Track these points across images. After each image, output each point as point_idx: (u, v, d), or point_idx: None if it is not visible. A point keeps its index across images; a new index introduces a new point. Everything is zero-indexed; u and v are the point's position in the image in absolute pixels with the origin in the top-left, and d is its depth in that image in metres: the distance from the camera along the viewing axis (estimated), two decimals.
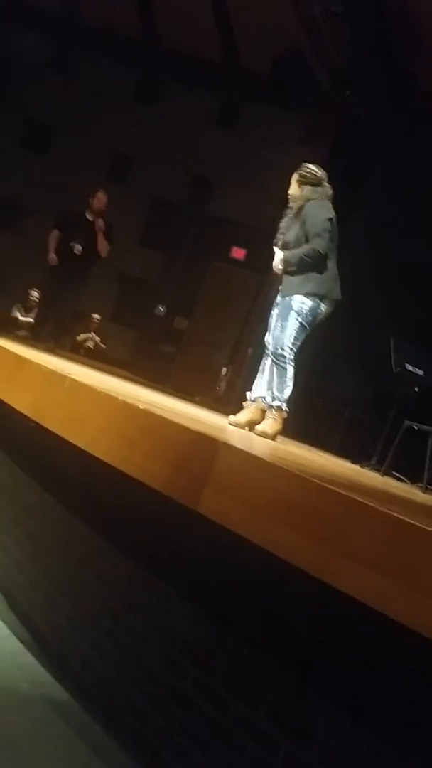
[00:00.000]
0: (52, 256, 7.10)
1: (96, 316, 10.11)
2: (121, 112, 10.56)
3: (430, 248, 8.49)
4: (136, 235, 10.20)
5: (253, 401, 4.87)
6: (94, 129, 10.43)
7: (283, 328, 4.75)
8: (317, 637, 2.56)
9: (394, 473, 6.16)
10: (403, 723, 2.37)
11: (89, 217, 7.20)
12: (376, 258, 8.52)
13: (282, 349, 4.74)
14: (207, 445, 2.89)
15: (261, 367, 4.94)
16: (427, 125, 9.01)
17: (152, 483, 2.92)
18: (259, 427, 4.66)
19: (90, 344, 9.94)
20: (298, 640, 2.61)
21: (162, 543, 3.07)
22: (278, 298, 4.86)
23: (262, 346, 5.18)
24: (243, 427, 4.73)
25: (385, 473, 6.13)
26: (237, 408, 5.58)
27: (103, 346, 9.98)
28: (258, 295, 9.24)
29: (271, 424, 4.69)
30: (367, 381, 7.73)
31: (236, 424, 4.75)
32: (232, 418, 4.88)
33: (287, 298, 4.75)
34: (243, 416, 4.83)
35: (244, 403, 4.96)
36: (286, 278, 4.82)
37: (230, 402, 5.39)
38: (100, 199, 7.24)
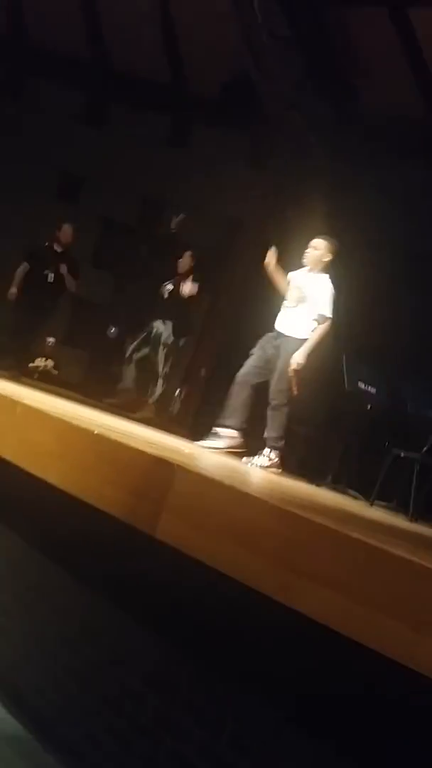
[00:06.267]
0: (13, 291, 7.37)
1: (50, 339, 10.00)
2: (70, 133, 10.52)
3: (377, 269, 8.60)
4: (87, 257, 10.14)
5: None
6: (44, 150, 10.37)
7: None
8: (280, 662, 2.53)
9: (350, 491, 6.19)
10: (370, 744, 2.36)
11: (58, 249, 7.54)
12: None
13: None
14: (163, 468, 2.86)
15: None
16: (371, 148, 9.15)
17: (108, 509, 2.88)
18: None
19: (43, 368, 9.81)
20: (260, 665, 2.58)
21: (120, 570, 3.02)
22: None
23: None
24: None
25: (343, 492, 6.16)
26: (193, 429, 5.69)
27: (54, 372, 9.87)
28: (210, 315, 9.25)
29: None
30: (321, 399, 7.76)
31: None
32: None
33: None
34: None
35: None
36: None
37: (183, 423, 5.42)
38: (65, 232, 7.59)
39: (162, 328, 7.33)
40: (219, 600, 2.63)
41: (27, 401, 3.61)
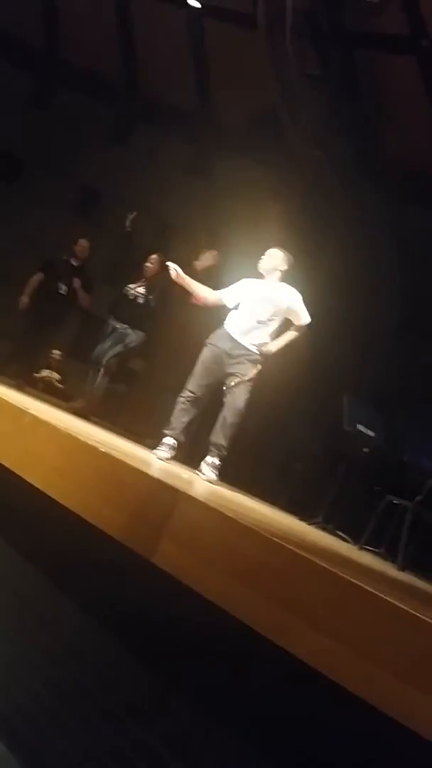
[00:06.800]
0: (24, 300, 7.34)
1: (56, 352, 10.01)
2: (95, 150, 10.62)
3: (388, 311, 8.67)
4: (100, 274, 10.19)
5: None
6: (67, 165, 10.48)
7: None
8: (267, 702, 2.51)
9: (339, 533, 6.18)
10: None
11: (74, 263, 7.58)
12: (335, 317, 8.64)
13: None
14: (167, 494, 2.85)
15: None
16: (389, 193, 9.27)
17: (107, 529, 2.86)
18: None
19: (48, 379, 9.84)
20: (246, 704, 2.56)
21: (113, 592, 3.00)
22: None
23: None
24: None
25: (332, 532, 6.15)
26: (190, 454, 5.58)
27: (60, 386, 9.87)
28: None
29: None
30: (319, 437, 7.78)
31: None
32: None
33: None
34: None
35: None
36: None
37: (182, 447, 5.35)
38: (82, 247, 7.59)
39: (130, 332, 7.10)
40: (211, 633, 2.61)
41: (34, 412, 3.60)
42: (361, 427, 6.51)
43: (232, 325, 5.36)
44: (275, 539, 2.57)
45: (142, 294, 7.11)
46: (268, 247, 5.59)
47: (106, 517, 2.86)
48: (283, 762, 2.44)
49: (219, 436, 5.16)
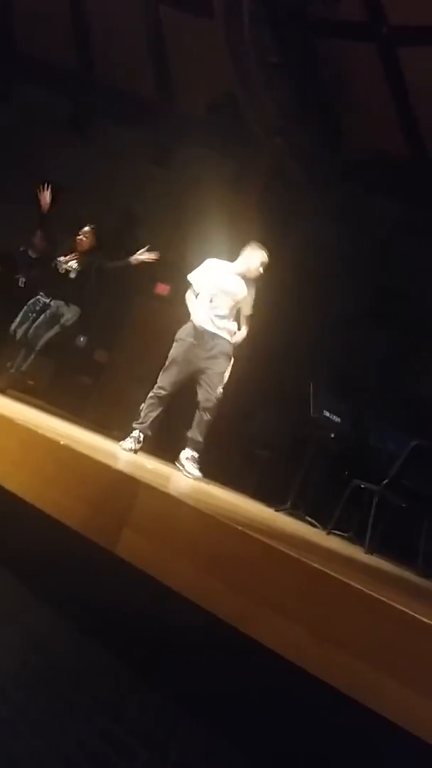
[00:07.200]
0: None
1: None
2: (53, 141, 10.49)
3: (352, 300, 8.69)
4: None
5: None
6: (24, 157, 10.33)
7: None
8: (232, 689, 2.50)
9: (308, 518, 6.20)
10: None
11: (33, 254, 7.53)
12: (299, 306, 8.65)
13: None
14: (128, 484, 2.82)
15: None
16: (352, 180, 9.28)
17: (68, 521, 2.83)
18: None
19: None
20: (212, 691, 2.54)
21: (76, 584, 2.97)
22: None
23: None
24: None
25: (300, 518, 6.17)
26: (156, 445, 5.58)
27: (30, 382, 9.74)
28: None
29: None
30: (286, 424, 7.79)
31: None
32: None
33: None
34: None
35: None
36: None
37: (148, 438, 5.33)
38: (40, 238, 7.48)
39: (65, 309, 6.84)
40: (176, 622, 2.59)
41: None
42: (327, 414, 6.54)
43: (199, 317, 5.35)
44: (238, 527, 2.56)
45: (75, 268, 6.77)
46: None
47: (67, 509, 2.83)
48: (250, 749, 2.43)
49: (196, 432, 5.22)
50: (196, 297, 5.50)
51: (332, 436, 6.50)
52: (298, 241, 9.03)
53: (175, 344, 5.38)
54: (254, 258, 5.51)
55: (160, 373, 5.35)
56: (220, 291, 5.42)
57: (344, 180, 9.23)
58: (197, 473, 5.10)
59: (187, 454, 5.19)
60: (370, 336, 8.81)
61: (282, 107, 8.97)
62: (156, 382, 5.37)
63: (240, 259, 5.58)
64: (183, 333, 5.39)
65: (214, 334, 5.33)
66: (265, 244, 5.69)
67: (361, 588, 2.26)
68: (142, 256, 6.56)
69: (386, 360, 8.64)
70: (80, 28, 10.54)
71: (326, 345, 8.43)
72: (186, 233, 9.46)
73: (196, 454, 5.19)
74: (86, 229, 6.91)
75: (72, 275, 6.75)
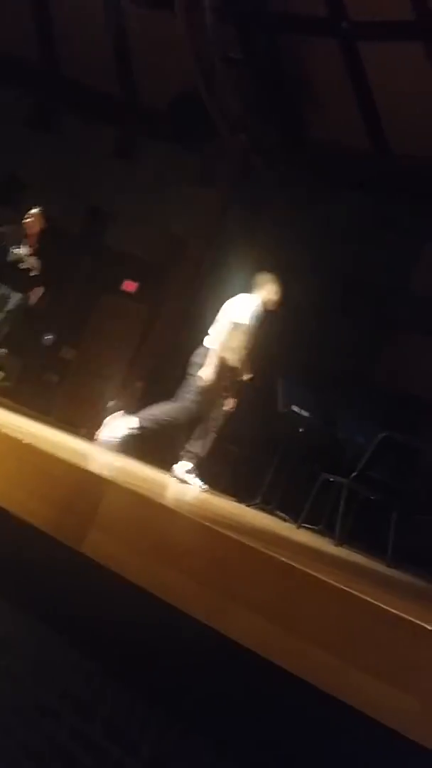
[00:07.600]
0: None
1: (2, 350, 9.74)
2: (16, 138, 10.37)
3: (320, 293, 8.70)
4: None
5: None
6: None
7: None
8: (203, 685, 2.49)
9: (278, 513, 6.21)
10: None
11: None
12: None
13: None
14: (93, 483, 2.80)
15: None
16: (317, 174, 9.29)
17: (34, 520, 2.79)
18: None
19: None
20: (184, 688, 2.53)
21: (44, 584, 2.93)
22: None
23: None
24: None
25: (271, 513, 6.17)
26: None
27: (5, 383, 9.62)
28: (148, 328, 9.20)
29: None
30: (255, 419, 7.79)
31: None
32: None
33: None
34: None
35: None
36: None
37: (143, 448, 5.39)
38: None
39: (11, 296, 6.83)
40: (145, 618, 2.57)
41: None
42: (295, 408, 6.55)
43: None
44: (205, 523, 2.55)
45: (26, 254, 6.82)
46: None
47: (32, 509, 2.80)
48: (222, 743, 2.42)
49: (198, 445, 5.50)
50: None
51: (301, 430, 6.51)
52: (265, 236, 9.03)
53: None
54: (273, 291, 5.64)
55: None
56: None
57: (309, 174, 9.24)
58: (203, 484, 5.39)
59: (188, 467, 5.41)
60: (338, 328, 8.84)
61: (245, 102, 8.96)
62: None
63: (258, 289, 5.79)
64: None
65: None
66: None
67: (330, 581, 2.26)
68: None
69: (355, 353, 8.68)
70: (42, 22, 10.42)
71: (295, 338, 8.44)
72: (153, 229, 9.45)
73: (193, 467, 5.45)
74: (33, 211, 6.87)
75: (23, 263, 6.82)
